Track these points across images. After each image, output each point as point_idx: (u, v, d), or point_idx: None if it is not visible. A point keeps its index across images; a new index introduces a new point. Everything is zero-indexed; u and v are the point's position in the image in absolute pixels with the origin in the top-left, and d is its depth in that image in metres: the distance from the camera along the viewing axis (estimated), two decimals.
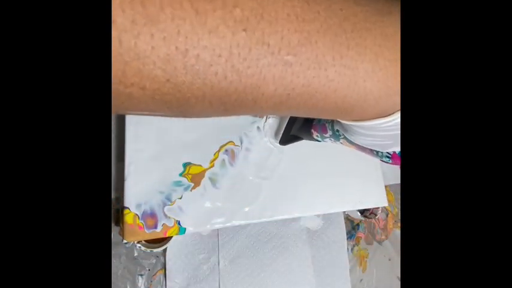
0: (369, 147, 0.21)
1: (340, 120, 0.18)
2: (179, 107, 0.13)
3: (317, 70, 0.13)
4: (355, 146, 0.24)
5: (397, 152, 0.21)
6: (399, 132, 0.16)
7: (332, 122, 0.26)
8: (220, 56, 0.11)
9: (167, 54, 0.10)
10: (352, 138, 0.21)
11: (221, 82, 0.12)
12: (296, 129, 0.33)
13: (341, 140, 0.26)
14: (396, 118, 0.15)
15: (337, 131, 0.25)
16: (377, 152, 0.22)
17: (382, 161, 0.23)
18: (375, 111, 0.15)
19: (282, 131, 0.36)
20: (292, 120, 0.34)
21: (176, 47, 0.10)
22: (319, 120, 0.29)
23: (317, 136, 0.29)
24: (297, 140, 0.35)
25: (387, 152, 0.22)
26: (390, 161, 0.22)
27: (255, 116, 0.41)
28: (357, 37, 0.13)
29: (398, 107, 0.15)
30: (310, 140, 0.32)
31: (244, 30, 0.11)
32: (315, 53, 0.12)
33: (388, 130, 0.17)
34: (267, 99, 0.13)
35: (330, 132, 0.27)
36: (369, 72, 0.13)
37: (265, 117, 0.41)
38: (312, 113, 0.15)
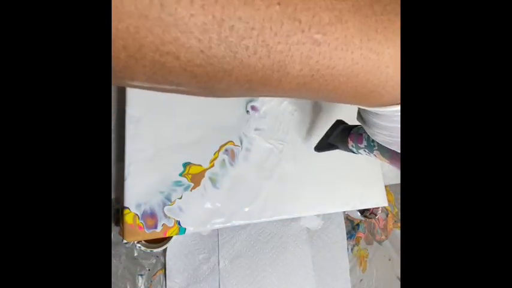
0: (389, 146, 0.21)
1: (359, 106, 0.18)
2: (207, 82, 0.13)
3: (344, 52, 0.12)
4: (388, 159, 0.25)
5: None
6: None
7: (368, 136, 0.25)
8: (253, 28, 0.11)
9: (204, 23, 0.10)
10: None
11: (251, 57, 0.12)
12: (333, 137, 0.34)
13: (375, 152, 0.26)
14: None
15: (372, 141, 0.25)
16: None
17: None
18: (390, 98, 0.15)
19: (313, 134, 0.35)
20: (332, 129, 0.34)
21: (213, 16, 0.10)
22: (358, 129, 0.29)
23: (352, 146, 0.30)
24: (332, 149, 0.35)
25: None
26: None
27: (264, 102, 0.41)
28: (385, 20, 0.13)
29: None
30: (344, 150, 0.32)
31: (278, 4, 0.11)
32: (344, 34, 0.12)
33: None
34: (291, 79, 0.13)
35: (365, 143, 0.27)
36: (393, 58, 0.13)
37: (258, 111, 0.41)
38: (330, 97, 0.15)
